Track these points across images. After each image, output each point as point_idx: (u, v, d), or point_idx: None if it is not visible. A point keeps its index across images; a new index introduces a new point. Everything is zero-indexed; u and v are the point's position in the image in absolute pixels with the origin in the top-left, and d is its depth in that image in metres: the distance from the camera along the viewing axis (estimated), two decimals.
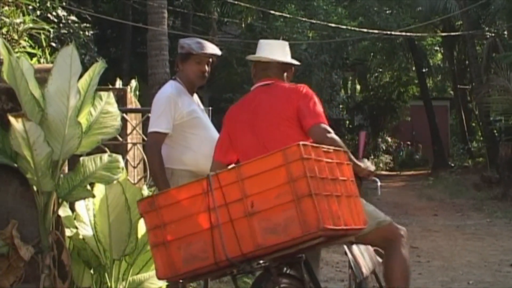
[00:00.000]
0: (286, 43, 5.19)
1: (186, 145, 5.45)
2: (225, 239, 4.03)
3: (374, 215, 4.84)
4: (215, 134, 5.60)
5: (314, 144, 4.21)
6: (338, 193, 4.21)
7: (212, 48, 5.57)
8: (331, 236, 4.20)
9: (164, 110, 5.39)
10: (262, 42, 5.17)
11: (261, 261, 4.21)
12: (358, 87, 36.77)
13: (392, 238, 4.88)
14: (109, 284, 4.54)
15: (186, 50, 5.49)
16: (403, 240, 4.91)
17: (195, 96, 5.73)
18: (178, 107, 5.42)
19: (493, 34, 27.68)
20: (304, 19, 23.99)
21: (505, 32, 27.86)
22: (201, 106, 5.75)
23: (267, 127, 4.81)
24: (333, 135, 4.70)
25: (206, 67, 5.56)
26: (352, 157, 4.75)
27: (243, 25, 27.08)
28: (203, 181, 4.12)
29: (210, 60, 5.58)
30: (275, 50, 5.06)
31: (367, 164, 4.98)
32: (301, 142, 4.05)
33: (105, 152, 4.48)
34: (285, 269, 4.53)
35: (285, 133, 4.75)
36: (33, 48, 8.99)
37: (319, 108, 4.83)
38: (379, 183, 5.20)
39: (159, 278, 4.33)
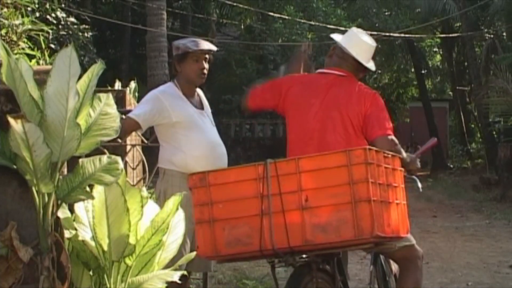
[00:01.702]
0: (374, 46, 5.12)
1: (176, 146, 5.48)
2: (275, 229, 4.00)
3: (409, 236, 4.81)
4: (212, 136, 5.60)
5: (377, 149, 4.18)
6: (390, 200, 4.20)
7: (207, 44, 5.57)
8: (379, 242, 4.22)
9: (144, 102, 5.53)
10: (358, 33, 5.09)
11: (303, 256, 4.21)
12: None
13: (411, 259, 4.88)
14: (108, 286, 4.54)
15: (182, 49, 5.50)
16: (419, 262, 4.92)
17: (199, 96, 5.71)
18: (163, 105, 5.44)
19: (492, 36, 27.71)
20: (303, 20, 24.04)
21: (504, 34, 27.88)
22: (206, 106, 5.73)
23: (339, 121, 4.77)
24: (399, 147, 4.70)
25: (205, 64, 5.55)
26: (404, 153, 4.79)
27: (242, 27, 27.11)
28: (259, 166, 4.10)
29: (207, 56, 5.57)
30: (365, 49, 5.01)
31: (417, 162, 5.01)
32: (367, 147, 4.04)
33: (104, 153, 4.49)
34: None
35: (346, 134, 4.75)
36: (32, 49, 9.00)
37: (389, 120, 4.81)
38: (418, 182, 5.22)
39: (199, 256, 4.35)
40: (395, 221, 4.23)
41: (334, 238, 3.96)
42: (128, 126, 5.46)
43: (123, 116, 7.09)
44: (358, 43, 5.00)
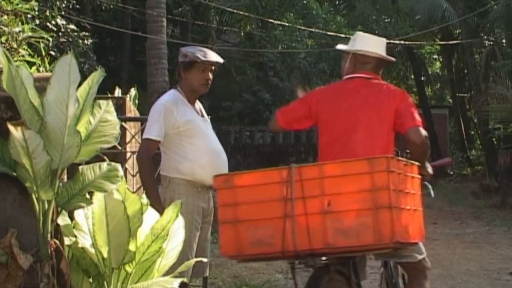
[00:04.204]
0: (385, 40, 5.36)
1: (183, 154, 5.47)
2: (297, 231, 4.13)
3: (422, 248, 5.01)
4: (215, 144, 5.62)
5: (399, 158, 4.36)
6: (409, 206, 4.32)
7: (215, 56, 5.60)
8: (397, 247, 4.38)
9: (157, 118, 5.44)
10: (365, 35, 5.36)
11: (323, 258, 4.33)
12: None
13: (420, 269, 5.03)
14: None
15: (190, 58, 5.50)
16: (427, 273, 5.08)
17: (199, 104, 5.73)
18: (173, 115, 5.44)
19: (491, 43, 27.73)
20: (303, 27, 24.05)
21: (504, 41, 27.92)
22: (205, 114, 5.75)
23: (366, 119, 4.93)
24: (427, 140, 4.91)
25: (210, 75, 5.58)
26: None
27: (242, 34, 27.13)
28: (283, 170, 4.23)
29: (213, 68, 5.60)
30: (380, 46, 5.24)
31: (430, 169, 5.16)
32: (389, 155, 4.22)
33: (104, 160, 4.48)
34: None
35: (378, 132, 4.92)
36: (32, 56, 9.00)
37: (417, 113, 5.00)
38: (431, 188, 5.38)
39: (222, 255, 4.49)
40: (413, 227, 4.35)
41: (355, 243, 4.11)
42: (152, 149, 5.49)
43: (124, 123, 7.11)
44: (370, 40, 5.26)
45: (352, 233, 4.08)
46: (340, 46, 5.39)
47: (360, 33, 5.44)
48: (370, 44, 5.21)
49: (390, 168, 4.10)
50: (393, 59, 5.37)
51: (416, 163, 4.64)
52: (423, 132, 4.89)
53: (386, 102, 4.97)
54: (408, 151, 5.13)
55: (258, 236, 4.25)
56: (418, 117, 4.96)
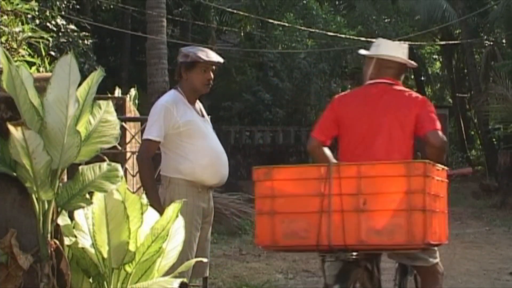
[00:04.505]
0: (407, 46, 5.49)
1: (183, 155, 5.48)
2: (332, 227, 4.30)
3: (436, 252, 5.20)
4: (215, 144, 5.62)
5: (433, 163, 4.51)
6: (438, 209, 4.53)
7: (216, 56, 5.62)
8: (426, 248, 4.58)
9: (157, 119, 5.44)
10: (388, 41, 5.51)
11: (354, 253, 4.48)
12: None
13: (433, 273, 5.21)
14: None
15: (192, 58, 5.50)
16: (440, 278, 5.26)
17: (199, 104, 5.73)
18: (173, 116, 5.44)
19: (491, 43, 27.74)
20: (303, 27, 24.05)
21: (504, 41, 27.91)
22: (205, 114, 5.75)
23: (387, 124, 5.08)
24: (445, 144, 5.13)
25: (211, 75, 5.59)
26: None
27: (242, 34, 27.14)
28: (322, 167, 4.40)
29: (214, 68, 5.61)
30: (403, 51, 5.35)
31: None
32: (426, 161, 4.38)
33: (104, 161, 4.48)
34: None
35: (400, 136, 5.08)
36: (32, 57, 9.00)
37: (437, 119, 5.13)
38: None
39: (257, 245, 4.66)
40: (440, 229, 4.58)
41: (387, 241, 4.29)
42: (153, 149, 5.50)
43: (124, 123, 7.11)
44: (393, 46, 5.40)
45: (385, 232, 4.25)
46: (363, 51, 5.49)
47: (383, 39, 5.56)
48: (394, 49, 5.33)
49: (426, 172, 4.29)
50: (415, 64, 5.49)
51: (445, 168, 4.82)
52: (442, 136, 5.07)
53: (407, 109, 5.12)
54: (419, 153, 5.29)
55: (293, 229, 4.41)
56: (438, 122, 5.10)
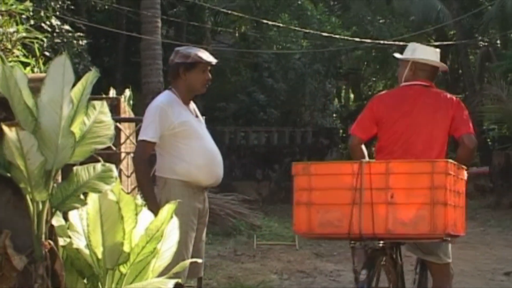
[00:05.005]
0: (439, 50, 5.98)
1: (178, 156, 5.48)
2: (363, 217, 4.76)
3: (449, 251, 5.76)
4: (210, 144, 5.64)
5: (455, 162, 4.99)
6: (457, 204, 5.03)
7: (211, 56, 5.67)
8: (445, 238, 5.02)
9: (153, 120, 5.45)
10: (422, 45, 6.03)
11: (381, 242, 4.94)
12: (351, 96, 36.79)
13: (446, 273, 5.72)
14: None
15: (194, 59, 5.54)
16: (450, 279, 5.77)
17: (193, 105, 5.75)
18: (168, 117, 5.45)
19: (486, 44, 27.77)
20: (297, 28, 24.03)
21: (498, 41, 27.95)
22: (199, 115, 5.77)
23: (425, 123, 5.54)
24: (476, 147, 5.65)
25: (209, 75, 5.65)
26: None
27: (236, 35, 27.12)
28: (355, 164, 4.86)
29: (209, 68, 5.66)
30: (437, 55, 5.86)
31: None
32: (449, 160, 4.86)
33: (98, 161, 4.48)
34: None
35: (436, 135, 5.56)
36: (27, 57, 8.98)
37: (469, 120, 5.68)
38: None
39: (295, 232, 5.15)
40: (459, 222, 5.10)
41: (411, 231, 4.74)
42: (148, 150, 5.52)
43: (118, 124, 7.11)
44: (429, 50, 5.89)
45: (410, 223, 4.70)
46: (398, 55, 5.92)
47: (417, 43, 5.99)
48: (429, 53, 5.80)
49: (448, 171, 4.76)
50: (447, 67, 5.98)
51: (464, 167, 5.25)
52: (475, 140, 5.59)
53: (444, 109, 5.58)
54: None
55: (328, 218, 4.87)
56: (471, 125, 5.61)
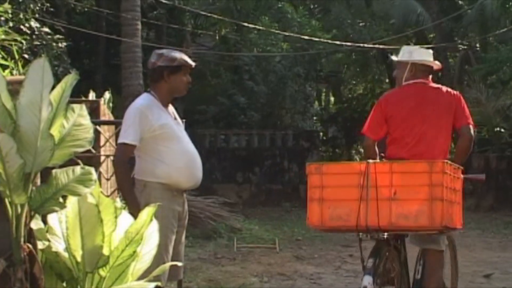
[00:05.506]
0: (431, 51, 6.53)
1: (158, 158, 5.48)
2: (369, 212, 5.27)
3: (445, 240, 6.31)
4: (190, 147, 5.64)
5: (451, 162, 5.52)
6: (454, 200, 5.45)
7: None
8: (442, 230, 5.56)
9: (132, 122, 5.44)
10: (417, 48, 6.58)
11: (385, 234, 5.49)
12: (332, 99, 36.85)
13: (441, 259, 6.30)
14: None
15: (180, 62, 5.60)
16: (443, 266, 6.37)
17: (171, 107, 5.75)
18: (148, 119, 5.45)
19: (465, 47, 27.89)
20: (278, 31, 24.04)
21: (477, 45, 28.08)
22: (178, 118, 5.77)
23: (432, 115, 6.13)
24: (473, 138, 6.21)
25: (189, 77, 5.70)
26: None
27: (217, 37, 27.10)
28: (362, 164, 5.38)
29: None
30: (431, 56, 6.39)
31: None
32: (445, 160, 5.44)
33: (78, 164, 4.46)
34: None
35: (442, 126, 6.15)
36: (6, 59, 8.93)
37: (468, 112, 6.30)
38: None
39: (308, 225, 5.59)
40: (455, 217, 5.49)
41: (412, 224, 5.27)
42: (128, 153, 5.52)
43: (98, 127, 7.08)
44: (424, 52, 6.42)
45: (411, 217, 5.22)
46: (395, 58, 6.44)
47: (411, 46, 6.73)
48: (426, 54, 6.36)
49: (444, 170, 5.27)
50: (440, 66, 6.45)
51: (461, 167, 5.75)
52: (472, 130, 6.18)
53: (447, 102, 6.19)
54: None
55: (338, 213, 5.38)
56: (470, 117, 6.22)
